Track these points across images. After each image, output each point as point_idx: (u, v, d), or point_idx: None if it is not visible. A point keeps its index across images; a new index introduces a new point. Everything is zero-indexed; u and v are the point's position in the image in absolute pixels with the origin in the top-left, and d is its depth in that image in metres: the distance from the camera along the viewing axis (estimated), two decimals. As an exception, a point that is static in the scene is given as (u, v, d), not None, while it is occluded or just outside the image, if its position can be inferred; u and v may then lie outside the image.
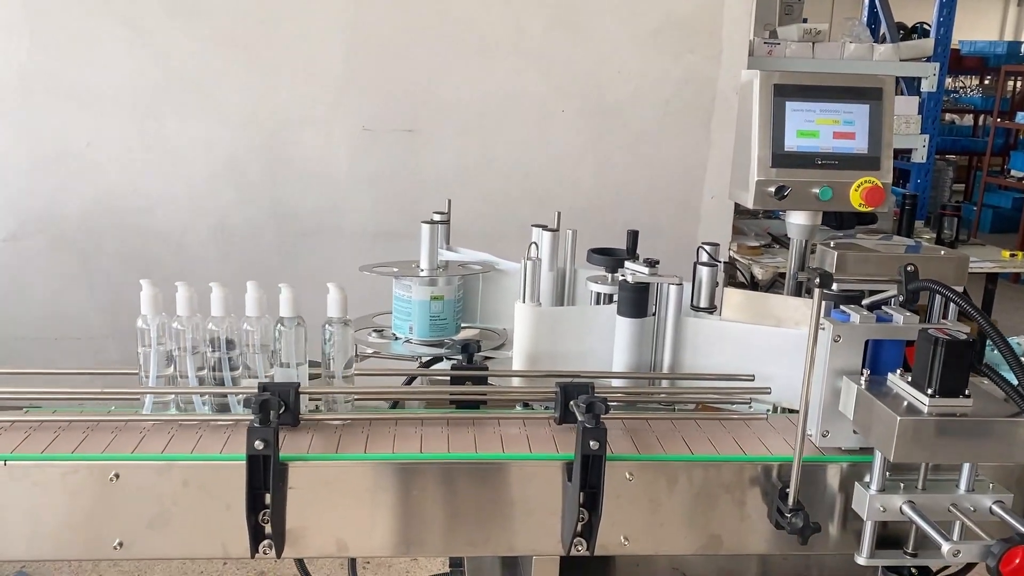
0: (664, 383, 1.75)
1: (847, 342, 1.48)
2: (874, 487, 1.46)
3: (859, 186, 1.87)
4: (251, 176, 3.81)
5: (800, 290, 2.01)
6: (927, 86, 4.97)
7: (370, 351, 1.97)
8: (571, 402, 1.54)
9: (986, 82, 12.69)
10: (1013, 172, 9.10)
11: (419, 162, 3.88)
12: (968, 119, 12.29)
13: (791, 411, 1.73)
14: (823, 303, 1.42)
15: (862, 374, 1.45)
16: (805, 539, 1.45)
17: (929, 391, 1.33)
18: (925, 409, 1.33)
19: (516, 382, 1.74)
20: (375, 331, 2.08)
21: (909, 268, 1.43)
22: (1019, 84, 11.80)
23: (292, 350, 1.54)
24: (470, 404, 1.65)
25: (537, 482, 1.49)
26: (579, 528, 1.45)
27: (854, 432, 1.51)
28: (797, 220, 1.96)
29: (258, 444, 1.34)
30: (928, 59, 5.30)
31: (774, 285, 4.59)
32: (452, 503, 1.48)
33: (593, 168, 4.07)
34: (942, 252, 1.71)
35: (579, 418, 1.42)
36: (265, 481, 1.37)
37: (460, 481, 1.48)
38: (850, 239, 1.91)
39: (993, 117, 10.33)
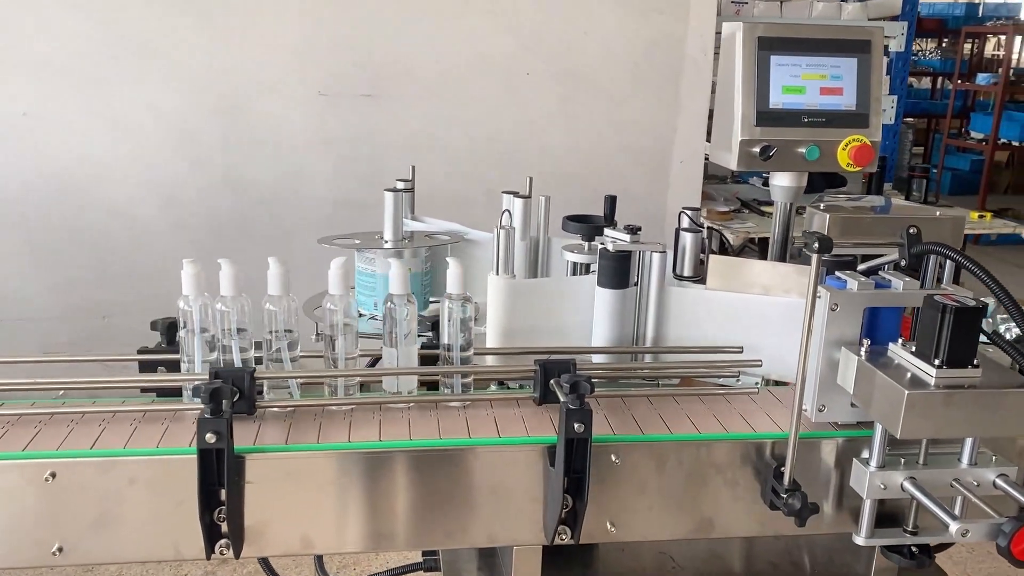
0: (648, 357, 1.65)
1: (845, 311, 1.38)
2: (874, 463, 1.38)
3: (847, 145, 1.77)
4: (204, 144, 3.61)
5: (785, 256, 1.92)
6: (895, 46, 4.89)
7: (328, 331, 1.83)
8: (551, 381, 1.43)
9: (944, 44, 12.74)
10: (973, 134, 9.14)
11: (381, 127, 3.71)
12: (926, 82, 12.34)
13: (780, 383, 1.64)
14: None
15: (862, 344, 1.36)
16: (803, 521, 1.36)
17: (936, 362, 1.24)
18: (932, 381, 1.24)
19: (490, 360, 1.62)
20: (337, 307, 1.95)
21: (912, 231, 1.34)
22: (978, 46, 11.85)
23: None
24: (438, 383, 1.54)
25: (517, 468, 1.38)
26: (563, 515, 1.35)
27: (852, 406, 1.42)
28: (782, 182, 1.86)
29: (210, 437, 1.21)
30: (895, 18, 5.23)
31: (744, 250, 4.53)
32: (426, 493, 1.37)
33: (563, 132, 3.94)
34: (937, 213, 1.62)
35: (562, 399, 1.32)
36: (219, 476, 1.24)
37: (434, 470, 1.36)
38: (833, 202, 1.82)
39: (953, 79, 10.36)
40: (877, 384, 1.28)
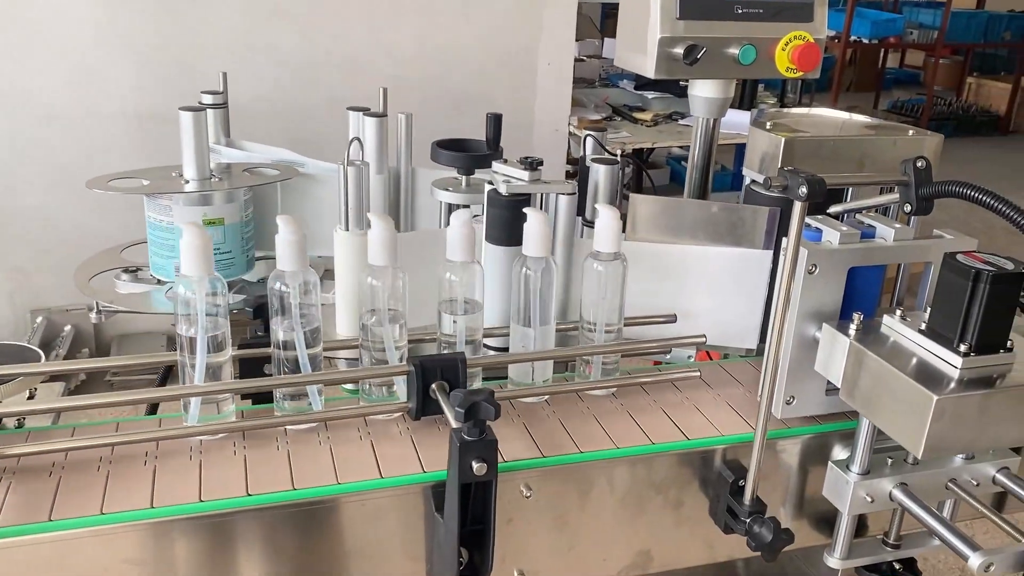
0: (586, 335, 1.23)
1: (826, 272, 1.03)
2: (856, 469, 1.05)
3: (788, 44, 1.39)
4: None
5: (706, 188, 1.55)
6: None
7: (115, 306, 1.33)
8: (432, 386, 1.01)
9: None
10: (829, 32, 9.15)
11: (192, 24, 3.05)
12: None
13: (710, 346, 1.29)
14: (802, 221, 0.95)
15: (853, 320, 1.01)
16: (774, 555, 1.03)
17: (962, 347, 0.91)
18: (958, 375, 0.91)
19: (344, 351, 1.18)
20: (127, 272, 1.44)
21: (920, 164, 0.98)
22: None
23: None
24: (270, 396, 1.08)
25: (388, 518, 0.97)
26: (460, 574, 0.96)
27: (827, 393, 1.09)
28: (705, 92, 1.47)
29: None
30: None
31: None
32: (261, 564, 0.94)
33: (414, 29, 3.39)
34: (911, 132, 1.28)
35: (453, 424, 0.90)
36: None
37: (268, 532, 0.93)
38: (779, 115, 1.45)
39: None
40: (883, 381, 0.94)
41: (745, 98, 4.20)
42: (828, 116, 1.48)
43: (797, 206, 0.92)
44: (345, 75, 3.25)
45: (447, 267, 1.07)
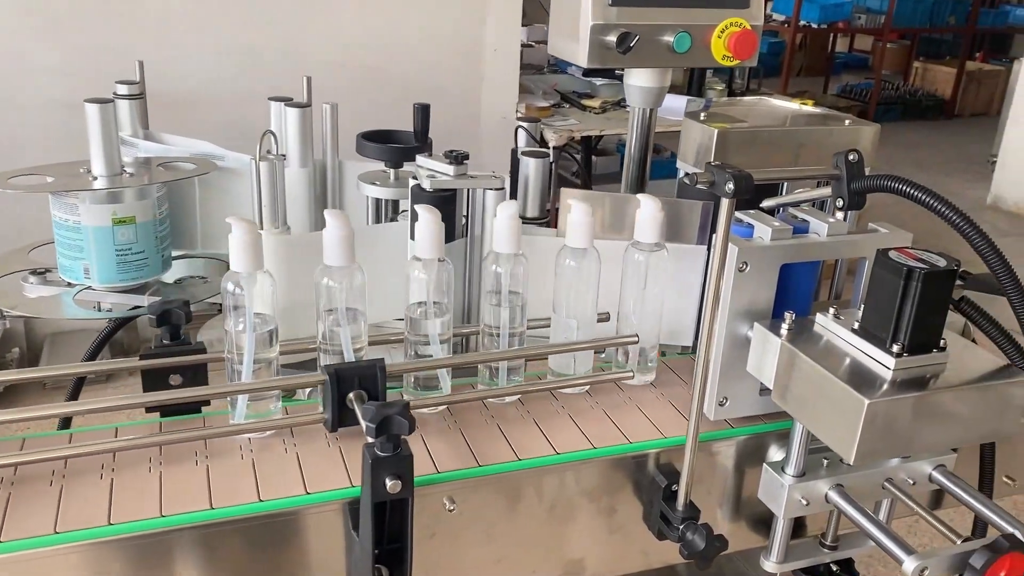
0: (486, 340, 1.19)
1: (757, 270, 0.99)
2: (791, 471, 1.02)
3: (724, 31, 1.36)
4: None
5: (643, 180, 1.51)
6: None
7: (15, 312, 1.25)
8: (349, 395, 0.96)
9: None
10: (775, 16, 9.17)
11: (123, 4, 2.92)
12: (725, -37, 12.29)
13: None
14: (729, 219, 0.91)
15: (784, 319, 0.97)
16: (708, 562, 1.00)
17: (895, 348, 0.88)
18: (891, 376, 0.88)
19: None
20: (35, 274, 1.36)
21: (852, 157, 0.95)
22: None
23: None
24: (184, 408, 1.01)
25: (307, 535, 0.92)
26: (376, 595, 0.91)
27: (760, 393, 1.06)
28: (640, 81, 1.43)
29: None
30: None
31: (566, 149, 4.15)
32: (161, 590, 0.88)
33: (356, 15, 3.30)
34: (847, 122, 1.25)
35: (367, 438, 0.85)
36: None
37: (183, 553, 0.87)
38: (718, 107, 1.41)
39: (752, -39, 10.32)
40: (815, 383, 0.91)
41: (693, 84, 4.18)
42: (768, 106, 1.45)
43: (724, 203, 0.88)
44: (286, 63, 3.15)
45: (493, 259, 1.06)
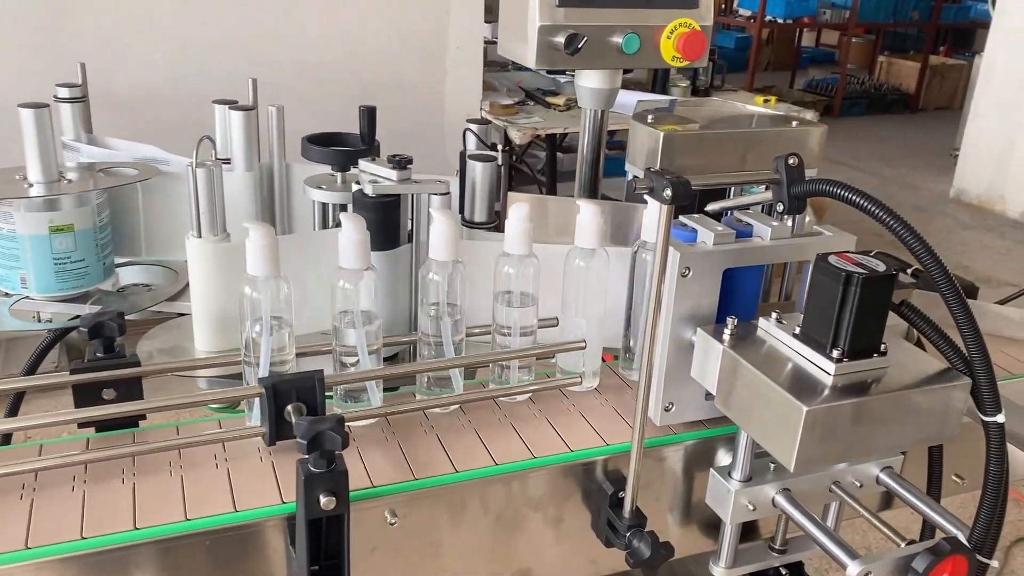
0: (428, 351, 1.17)
1: (700, 275, 0.98)
2: (738, 476, 1.02)
3: (673, 31, 1.35)
4: None
5: (596, 181, 1.51)
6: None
7: (-50, 327, 1.21)
8: (287, 408, 0.94)
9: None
10: (741, 11, 9.22)
11: (79, 3, 2.86)
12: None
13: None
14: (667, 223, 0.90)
15: (726, 325, 0.96)
16: (654, 570, 0.99)
17: (835, 353, 0.88)
18: (831, 382, 0.88)
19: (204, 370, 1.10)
20: (-29, 284, 1.32)
21: (792, 161, 0.94)
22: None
23: None
24: (120, 423, 0.99)
25: (243, 548, 0.90)
26: (316, 612, 0.89)
27: (707, 398, 1.05)
28: (591, 83, 1.42)
29: None
30: None
31: (531, 147, 4.14)
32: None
33: (318, 12, 3.26)
34: (794, 124, 1.25)
35: (300, 453, 0.83)
36: None
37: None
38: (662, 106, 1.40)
39: (719, -44, 10.37)
40: (755, 390, 0.90)
41: (657, 82, 4.18)
42: (719, 107, 1.45)
43: (663, 209, 0.87)
44: (246, 60, 3.11)
45: (504, 261, 1.06)
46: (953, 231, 5.62)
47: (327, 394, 0.94)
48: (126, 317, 1.02)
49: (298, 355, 1.03)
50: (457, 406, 1.08)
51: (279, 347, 0.97)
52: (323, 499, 0.82)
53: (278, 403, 0.93)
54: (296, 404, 0.94)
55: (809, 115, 4.13)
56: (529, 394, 1.12)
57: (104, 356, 0.99)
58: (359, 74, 3.35)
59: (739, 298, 1.04)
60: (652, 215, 1.10)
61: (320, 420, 0.82)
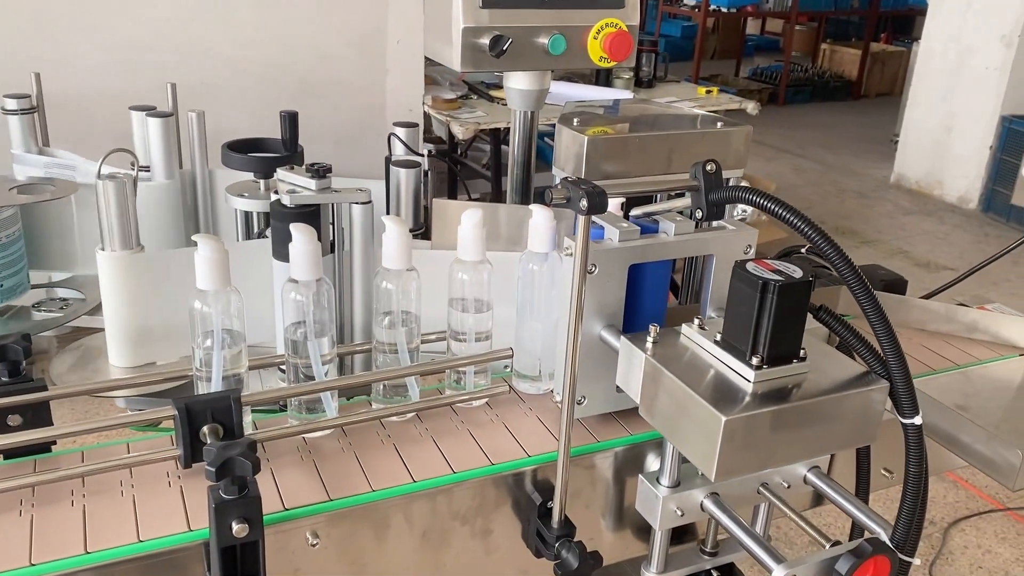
0: (383, 359, 1.14)
1: (606, 271, 0.98)
2: (666, 482, 1.02)
3: (599, 32, 1.34)
4: None
5: (528, 183, 1.49)
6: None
7: None
8: (202, 429, 0.91)
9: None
10: (686, 1, 9.28)
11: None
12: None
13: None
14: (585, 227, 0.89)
15: (650, 332, 0.96)
16: (582, 580, 0.98)
17: (755, 360, 0.87)
18: (751, 389, 0.87)
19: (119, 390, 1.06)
20: None
21: (709, 167, 0.94)
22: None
23: None
24: (30, 449, 0.95)
25: (155, 582, 0.87)
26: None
27: (618, 390, 1.04)
28: (519, 84, 1.41)
29: None
30: None
31: (475, 142, 4.12)
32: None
33: (252, 8, 3.19)
34: (719, 124, 1.24)
35: (209, 480, 0.80)
36: None
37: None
38: (588, 107, 1.40)
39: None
40: (676, 399, 0.90)
41: (600, 74, 4.18)
42: (646, 107, 1.45)
43: (580, 219, 0.86)
44: (179, 60, 3.02)
45: (457, 267, 1.07)
46: (894, 216, 5.73)
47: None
48: (44, 333, 0.99)
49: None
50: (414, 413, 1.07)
51: (232, 360, 0.95)
52: (235, 526, 0.79)
53: (192, 424, 0.91)
54: (212, 425, 0.92)
55: (750, 106, 4.17)
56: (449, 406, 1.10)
57: (9, 381, 0.95)
58: (296, 72, 3.28)
59: (648, 295, 1.04)
60: (539, 223, 1.08)
61: (230, 445, 0.79)
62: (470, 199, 4.31)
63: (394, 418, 1.06)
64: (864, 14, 10.05)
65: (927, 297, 1.49)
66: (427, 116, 3.75)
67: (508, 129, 4.14)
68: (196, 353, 0.96)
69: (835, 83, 9.54)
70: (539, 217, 1.07)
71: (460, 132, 3.57)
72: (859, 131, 7.96)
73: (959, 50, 5.82)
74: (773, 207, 0.86)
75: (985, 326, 1.36)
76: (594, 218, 1.01)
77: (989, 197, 5.73)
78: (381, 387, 1.07)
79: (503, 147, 4.15)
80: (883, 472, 1.31)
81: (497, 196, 4.07)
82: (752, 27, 11.60)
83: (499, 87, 4.09)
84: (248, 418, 1.02)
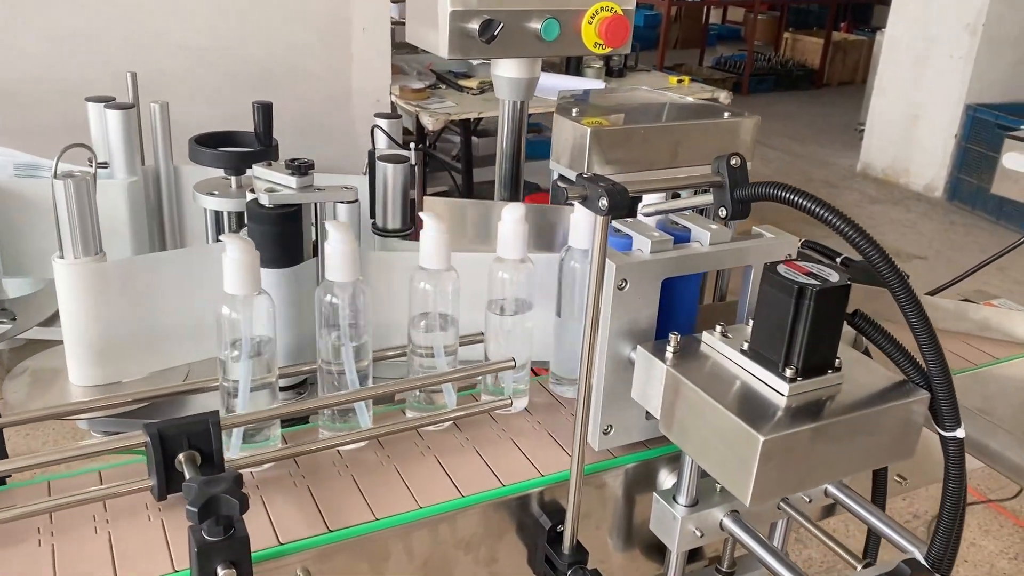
0: (344, 377, 1.05)
1: (638, 287, 0.90)
2: (683, 501, 0.94)
3: (594, 17, 1.26)
4: None
5: (517, 178, 1.41)
6: None
7: None
8: (178, 457, 0.82)
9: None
10: (648, -11, 9.22)
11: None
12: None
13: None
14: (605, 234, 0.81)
15: (670, 341, 0.88)
16: (597, 610, 0.91)
17: (788, 372, 0.80)
18: (784, 404, 0.80)
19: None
20: None
21: (734, 162, 0.86)
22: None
23: None
24: (-24, 481, 0.85)
25: (126, 633, 0.77)
26: None
27: (648, 418, 0.97)
28: (508, 72, 1.32)
29: None
30: None
31: (444, 133, 4.01)
32: None
33: (206, -5, 3.05)
34: (726, 114, 1.17)
35: (190, 520, 0.71)
36: None
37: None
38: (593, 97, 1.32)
39: (626, -67, 10.32)
40: (703, 415, 0.82)
41: (571, 63, 4.10)
42: (642, 96, 1.37)
43: (599, 220, 0.78)
44: (136, 48, 2.88)
45: (497, 266, 1.00)
46: (862, 205, 5.74)
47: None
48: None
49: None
50: (374, 439, 0.98)
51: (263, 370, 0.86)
52: (221, 572, 0.70)
53: (166, 452, 0.81)
54: (189, 452, 0.82)
55: (723, 95, 4.12)
56: (451, 421, 1.02)
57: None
58: (259, 61, 3.15)
59: (678, 309, 0.96)
60: (580, 218, 1.01)
61: (213, 481, 0.70)
62: (435, 195, 4.21)
63: (431, 428, 0.99)
64: (824, 3, 10.09)
65: (932, 294, 1.43)
66: (394, 106, 3.64)
67: (478, 119, 4.05)
68: (224, 364, 0.87)
69: (798, 72, 9.57)
70: (582, 211, 0.99)
71: (430, 123, 3.46)
72: (824, 120, 7.98)
73: (924, 39, 5.84)
74: (809, 204, 0.79)
75: (998, 323, 1.31)
76: (620, 226, 0.93)
77: (955, 185, 5.77)
78: (417, 392, 1.00)
79: (473, 138, 4.05)
80: (896, 478, 1.25)
81: (468, 190, 3.97)
82: (713, 17, 11.59)
83: (468, 76, 3.99)
84: (276, 431, 0.93)
